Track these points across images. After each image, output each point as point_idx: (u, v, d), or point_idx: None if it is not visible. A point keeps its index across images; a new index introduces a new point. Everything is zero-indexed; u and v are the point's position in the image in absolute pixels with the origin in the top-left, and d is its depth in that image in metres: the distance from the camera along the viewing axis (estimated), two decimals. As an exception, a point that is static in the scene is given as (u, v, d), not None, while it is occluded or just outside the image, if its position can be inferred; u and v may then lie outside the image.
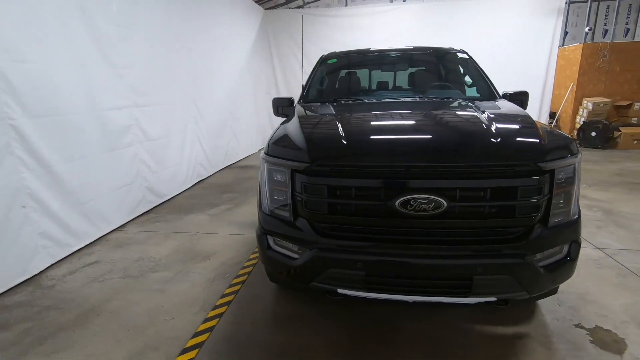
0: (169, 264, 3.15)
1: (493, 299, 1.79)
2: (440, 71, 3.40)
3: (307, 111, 2.66)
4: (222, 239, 3.66)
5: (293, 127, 2.22)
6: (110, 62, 3.83)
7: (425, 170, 1.70)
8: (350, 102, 2.89)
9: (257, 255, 3.25)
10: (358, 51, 3.64)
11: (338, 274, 1.82)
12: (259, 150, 8.72)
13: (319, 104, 2.93)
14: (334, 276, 1.84)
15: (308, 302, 2.52)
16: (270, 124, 9.58)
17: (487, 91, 2.92)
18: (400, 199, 1.69)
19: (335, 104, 2.81)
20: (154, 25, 4.57)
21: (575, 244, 1.89)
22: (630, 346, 2.05)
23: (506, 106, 2.47)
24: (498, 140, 1.73)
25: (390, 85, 3.42)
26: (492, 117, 2.00)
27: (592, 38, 9.33)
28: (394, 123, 2.22)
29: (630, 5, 10.19)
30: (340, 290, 1.87)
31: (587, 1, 8.55)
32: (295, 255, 1.97)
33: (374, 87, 3.44)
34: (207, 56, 6.06)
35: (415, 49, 3.49)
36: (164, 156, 4.87)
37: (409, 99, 2.89)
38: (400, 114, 2.46)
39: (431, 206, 1.67)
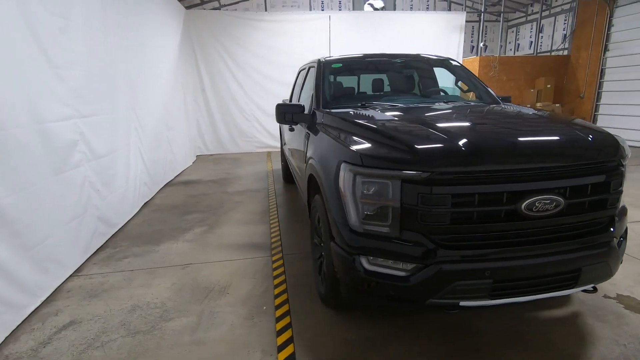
0: (180, 307, 2.57)
1: (590, 286, 1.93)
2: (438, 77, 3.58)
3: (363, 117, 2.45)
4: (224, 267, 3.15)
5: (371, 134, 2.04)
6: (50, 60, 2.96)
7: (548, 171, 1.74)
8: (389, 106, 2.80)
9: (281, 280, 2.90)
10: (361, 56, 3.59)
11: (465, 286, 1.73)
12: (193, 162, 7.87)
13: (354, 109, 2.76)
14: (460, 289, 1.73)
15: (377, 320, 2.34)
16: (199, 134, 8.76)
17: (491, 96, 3.18)
18: (527, 201, 1.69)
19: (374, 109, 2.69)
20: (91, 16, 3.71)
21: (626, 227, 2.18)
22: (652, 306, 2.46)
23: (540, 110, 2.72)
24: (591, 140, 1.88)
25: (405, 90, 3.46)
26: (564, 119, 2.16)
27: (478, 52, 11.03)
28: (488, 126, 2.22)
29: (501, 26, 12.41)
30: (462, 303, 1.78)
31: (479, 21, 10.12)
32: (403, 273, 1.80)
33: (390, 91, 3.42)
34: (142, 57, 5.20)
35: (415, 56, 3.60)
36: (112, 177, 3.99)
37: (442, 103, 2.96)
38: (472, 116, 2.50)
39: (552, 205, 1.72)
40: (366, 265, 1.87)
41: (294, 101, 4.67)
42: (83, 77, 3.45)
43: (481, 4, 9.88)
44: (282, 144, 5.28)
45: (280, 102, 8.58)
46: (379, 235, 1.84)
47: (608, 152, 1.87)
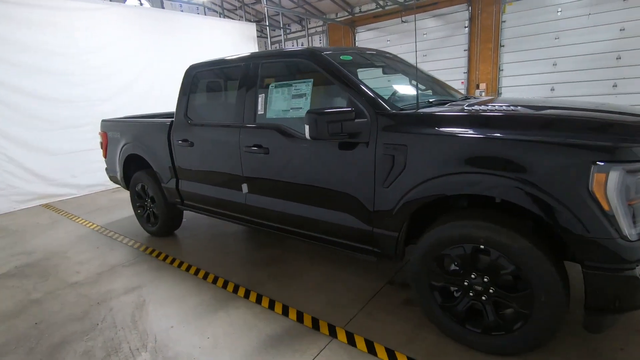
0: None
1: None
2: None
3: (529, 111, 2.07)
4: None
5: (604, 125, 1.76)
6: None
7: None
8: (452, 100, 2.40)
9: (387, 343, 1.99)
10: (355, 49, 2.88)
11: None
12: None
13: (466, 106, 2.25)
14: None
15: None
16: None
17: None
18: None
19: (462, 105, 2.28)
20: None
21: None
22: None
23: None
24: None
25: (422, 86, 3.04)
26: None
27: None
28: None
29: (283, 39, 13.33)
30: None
31: (266, 37, 10.48)
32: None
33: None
34: None
35: (391, 55, 3.25)
36: None
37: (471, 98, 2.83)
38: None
39: None
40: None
41: (196, 116, 3.24)
42: None
43: (261, 20, 10.27)
44: (174, 179, 3.55)
45: (47, 127, 5.71)
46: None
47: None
